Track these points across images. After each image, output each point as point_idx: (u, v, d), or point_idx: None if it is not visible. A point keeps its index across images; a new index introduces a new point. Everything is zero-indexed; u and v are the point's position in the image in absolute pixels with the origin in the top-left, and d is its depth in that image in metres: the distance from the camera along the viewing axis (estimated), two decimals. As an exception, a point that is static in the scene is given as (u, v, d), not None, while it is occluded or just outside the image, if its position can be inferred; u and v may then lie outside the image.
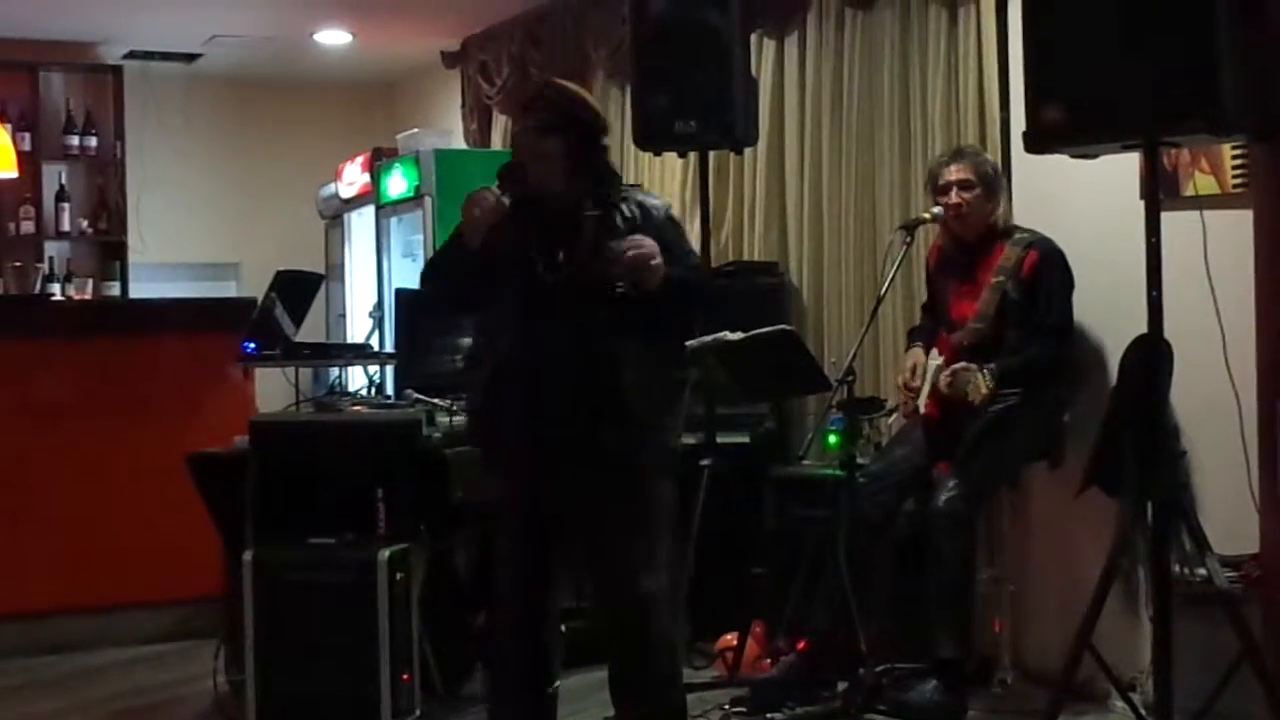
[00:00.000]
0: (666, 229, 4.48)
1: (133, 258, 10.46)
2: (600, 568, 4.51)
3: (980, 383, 5.15)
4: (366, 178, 10.00)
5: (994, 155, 5.84)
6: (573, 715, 5.06)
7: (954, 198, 5.60)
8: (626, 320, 4.31)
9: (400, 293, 7.73)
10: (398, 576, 5.32)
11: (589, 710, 5.22)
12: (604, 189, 4.46)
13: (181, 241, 11.17)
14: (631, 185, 4.79)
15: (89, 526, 6.80)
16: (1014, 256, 5.54)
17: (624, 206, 4.44)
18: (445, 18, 9.74)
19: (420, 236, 9.07)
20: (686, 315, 4.63)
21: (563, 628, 4.61)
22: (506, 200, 4.32)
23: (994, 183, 5.63)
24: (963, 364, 5.30)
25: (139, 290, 10.32)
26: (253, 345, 6.51)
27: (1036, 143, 4.32)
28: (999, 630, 5.72)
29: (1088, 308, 5.56)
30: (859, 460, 5.57)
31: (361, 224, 10.36)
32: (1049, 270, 5.51)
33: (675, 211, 4.83)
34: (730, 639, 5.96)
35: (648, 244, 4.27)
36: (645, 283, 4.26)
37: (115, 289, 10.26)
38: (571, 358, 4.31)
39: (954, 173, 5.63)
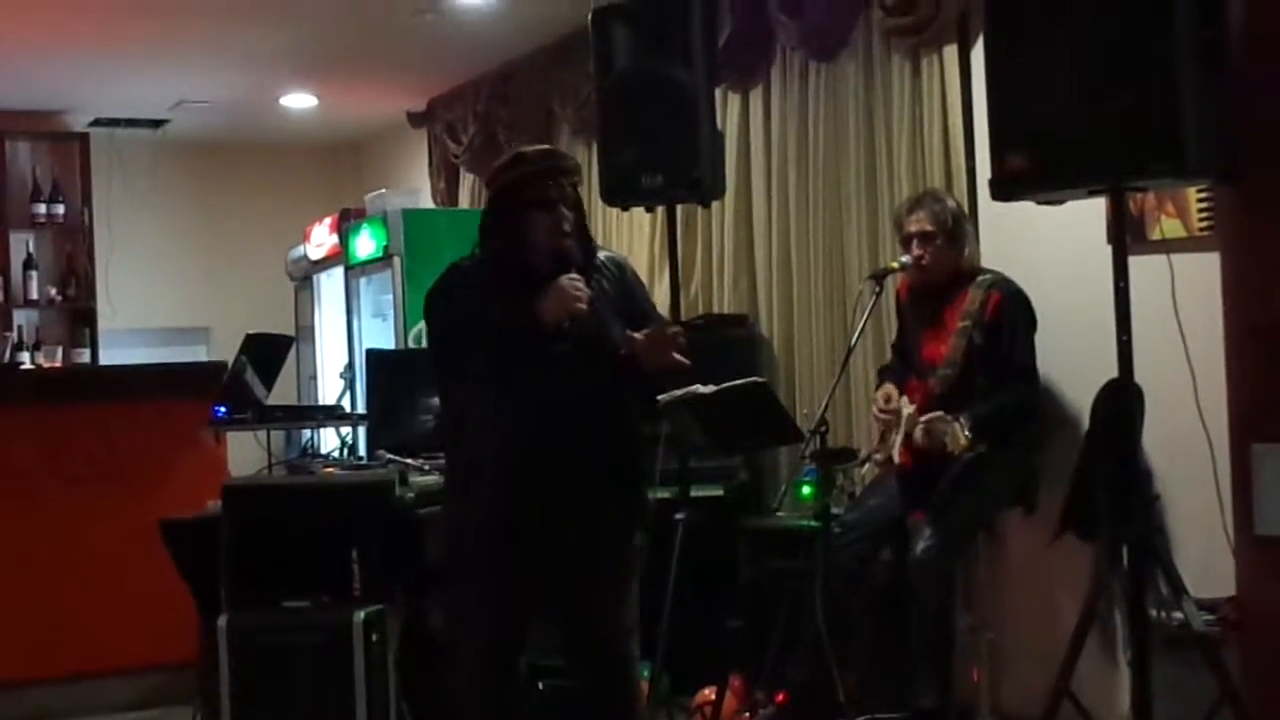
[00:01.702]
0: (635, 282, 4.63)
1: (102, 324, 10.45)
2: (589, 628, 4.51)
3: (958, 434, 5.15)
4: (335, 239, 9.99)
5: (961, 202, 5.85)
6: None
7: (915, 249, 5.62)
8: (619, 380, 4.42)
9: (371, 353, 7.73)
10: (373, 638, 5.29)
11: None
12: (592, 248, 4.55)
13: (151, 307, 11.16)
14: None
15: (61, 594, 6.76)
16: (978, 299, 5.55)
17: (605, 266, 4.52)
18: (410, 79, 9.78)
19: (390, 296, 9.06)
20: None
21: (539, 685, 4.60)
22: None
23: (956, 230, 5.64)
24: (938, 414, 5.30)
25: (109, 356, 10.29)
26: (224, 409, 6.50)
27: (1002, 190, 4.33)
28: (978, 678, 5.70)
29: (1057, 353, 5.57)
30: (833, 510, 5.56)
31: (331, 285, 10.35)
32: (1011, 311, 5.53)
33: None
34: (708, 693, 5.93)
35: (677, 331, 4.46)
36: (666, 363, 4.39)
37: (85, 356, 10.24)
38: (588, 420, 4.37)
39: (914, 223, 5.64)
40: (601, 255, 4.58)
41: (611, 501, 4.44)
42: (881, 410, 5.71)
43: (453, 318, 4.44)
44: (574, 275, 4.35)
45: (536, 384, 4.35)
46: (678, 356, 4.41)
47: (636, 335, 4.38)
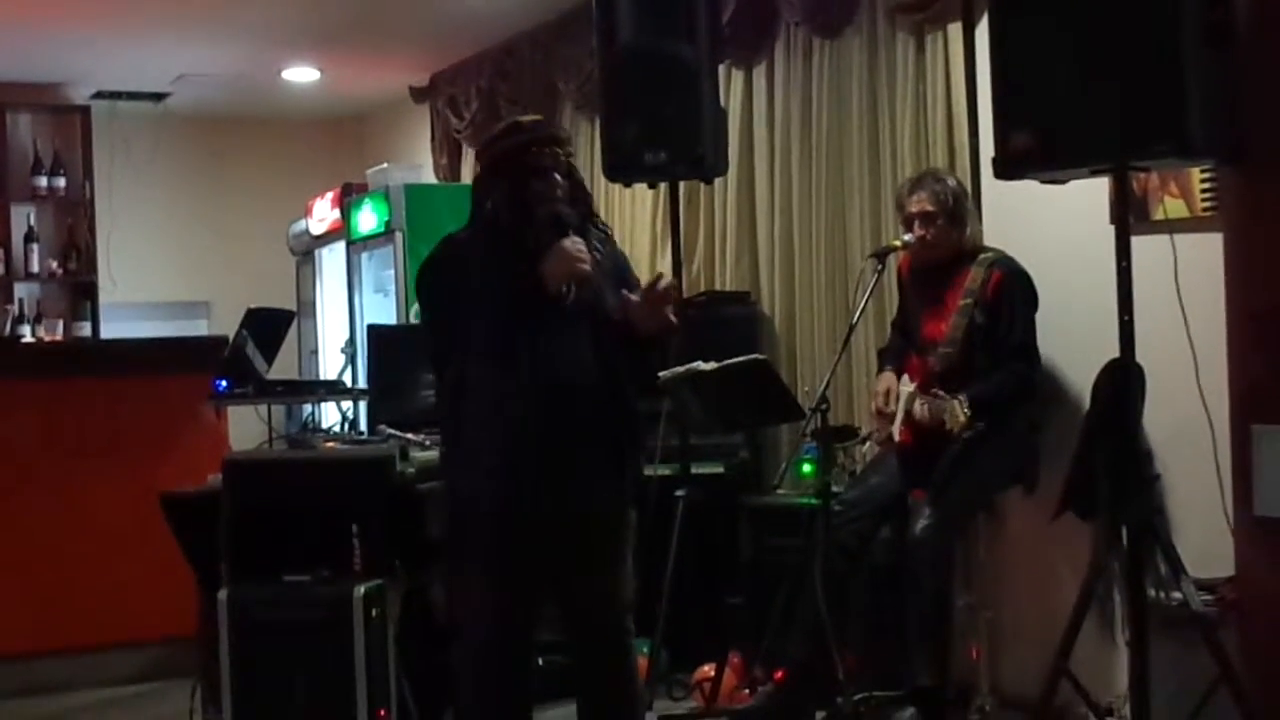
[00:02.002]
0: (622, 256, 4.70)
1: (103, 298, 10.44)
2: (585, 603, 4.51)
3: (958, 411, 5.15)
4: (337, 214, 9.99)
5: (964, 182, 5.84)
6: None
7: (917, 229, 5.61)
8: (617, 350, 4.43)
9: (372, 328, 7.73)
10: (373, 613, 5.29)
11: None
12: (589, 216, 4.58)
13: (152, 281, 11.14)
14: None
15: (62, 567, 6.77)
16: (979, 278, 5.55)
17: (595, 238, 4.53)
18: (413, 53, 9.76)
19: (391, 271, 9.06)
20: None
21: (539, 661, 4.61)
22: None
23: (958, 209, 5.62)
24: (937, 392, 5.31)
25: (110, 330, 10.29)
26: (225, 383, 6.50)
27: (1005, 169, 4.34)
28: (976, 657, 5.71)
29: (1059, 332, 5.57)
30: (834, 488, 5.56)
31: (332, 260, 10.35)
32: (1011, 289, 5.53)
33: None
34: (708, 670, 5.95)
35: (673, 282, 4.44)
36: (662, 324, 4.40)
37: (86, 329, 10.24)
38: (587, 391, 4.38)
39: (915, 204, 5.63)
40: (598, 230, 4.62)
41: (607, 476, 4.44)
42: (880, 408, 5.71)
43: (450, 288, 4.43)
44: (575, 238, 4.36)
45: (535, 353, 4.34)
46: (671, 317, 4.39)
47: (631, 296, 4.39)
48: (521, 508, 4.35)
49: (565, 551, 4.42)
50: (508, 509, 4.37)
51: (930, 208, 5.60)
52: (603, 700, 4.55)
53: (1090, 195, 5.01)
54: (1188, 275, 4.56)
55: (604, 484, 4.43)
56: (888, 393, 5.69)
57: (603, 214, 7.95)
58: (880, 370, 5.87)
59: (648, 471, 6.11)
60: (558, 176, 4.43)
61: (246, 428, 7.00)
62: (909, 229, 5.64)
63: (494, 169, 4.51)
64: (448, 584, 5.10)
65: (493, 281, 4.34)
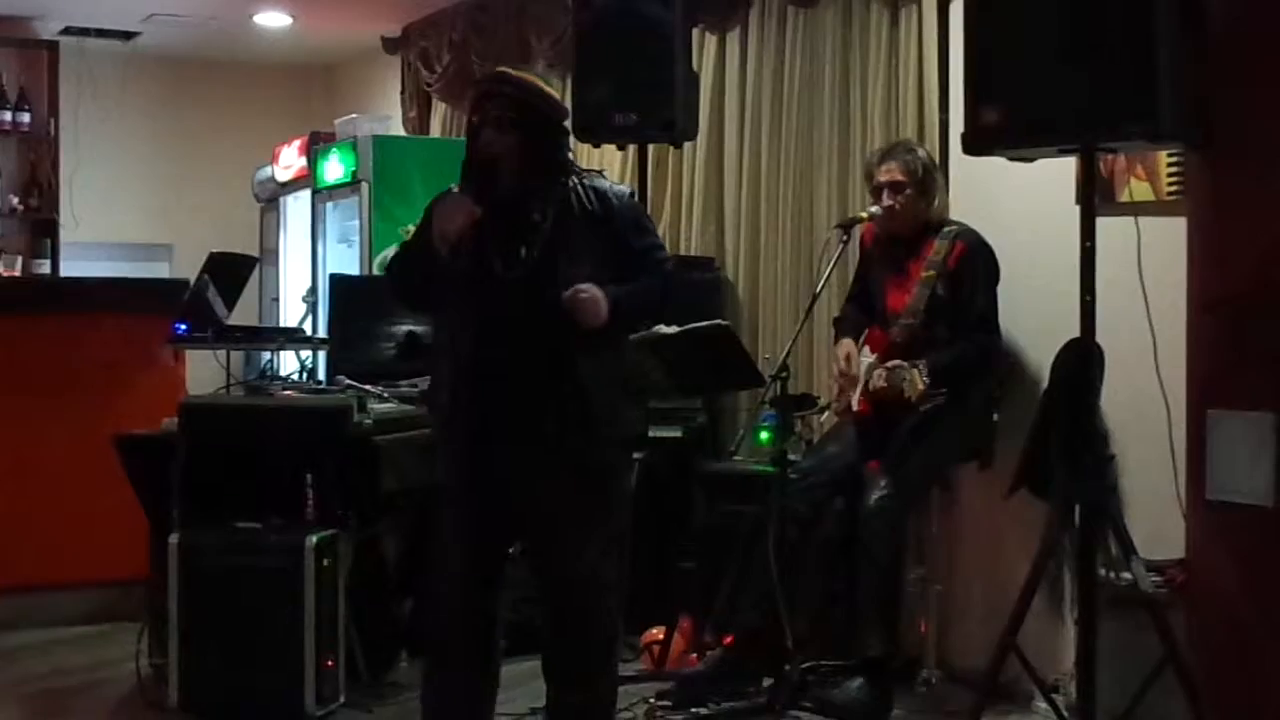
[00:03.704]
0: (625, 219, 4.45)
1: (64, 236, 10.35)
2: (551, 557, 4.45)
3: (916, 379, 5.16)
4: (303, 162, 9.94)
5: (932, 154, 5.85)
6: (501, 704, 5.05)
7: (886, 199, 5.62)
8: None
9: (335, 278, 7.70)
10: (325, 563, 5.29)
11: (517, 700, 5.21)
12: (563, 180, 4.41)
13: (114, 221, 11.07)
14: (591, 170, 4.66)
15: (13, 506, 6.72)
16: (942, 250, 5.57)
17: (583, 196, 4.40)
18: (386, 3, 9.71)
19: (356, 222, 9.03)
20: (644, 320, 4.64)
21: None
22: (478, 211, 4.26)
23: (926, 180, 5.64)
24: (896, 362, 5.31)
25: (70, 269, 10.21)
26: (184, 327, 6.47)
27: (974, 144, 4.34)
28: (925, 630, 5.74)
29: (1021, 310, 5.58)
30: (790, 457, 5.57)
31: (297, 208, 10.30)
32: (974, 261, 5.55)
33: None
34: (657, 633, 5.96)
35: (591, 292, 4.26)
36: (584, 323, 4.28)
37: (45, 267, 10.15)
38: (531, 355, 4.29)
39: (885, 173, 5.64)
40: (597, 184, 4.46)
41: (554, 440, 4.33)
42: (841, 372, 5.72)
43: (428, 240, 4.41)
44: (457, 195, 4.29)
45: (479, 313, 4.32)
46: (591, 320, 4.29)
47: (564, 293, 4.28)
48: (470, 458, 4.37)
49: (518, 509, 4.40)
50: (461, 457, 4.40)
51: (900, 177, 5.61)
52: (562, 649, 4.47)
53: (1057, 175, 5.02)
54: (1151, 258, 4.57)
55: (542, 446, 4.32)
56: (848, 357, 5.70)
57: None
58: (838, 339, 5.87)
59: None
60: (491, 130, 4.33)
61: (205, 372, 6.97)
62: (877, 198, 5.64)
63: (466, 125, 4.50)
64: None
65: (469, 252, 4.31)
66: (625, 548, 4.71)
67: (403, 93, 10.37)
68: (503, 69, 4.63)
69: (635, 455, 5.91)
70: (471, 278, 4.32)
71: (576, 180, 4.44)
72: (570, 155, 4.58)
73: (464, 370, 4.33)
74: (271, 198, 10.82)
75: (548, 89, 4.51)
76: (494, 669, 4.53)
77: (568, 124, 4.60)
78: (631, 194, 4.60)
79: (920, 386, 5.17)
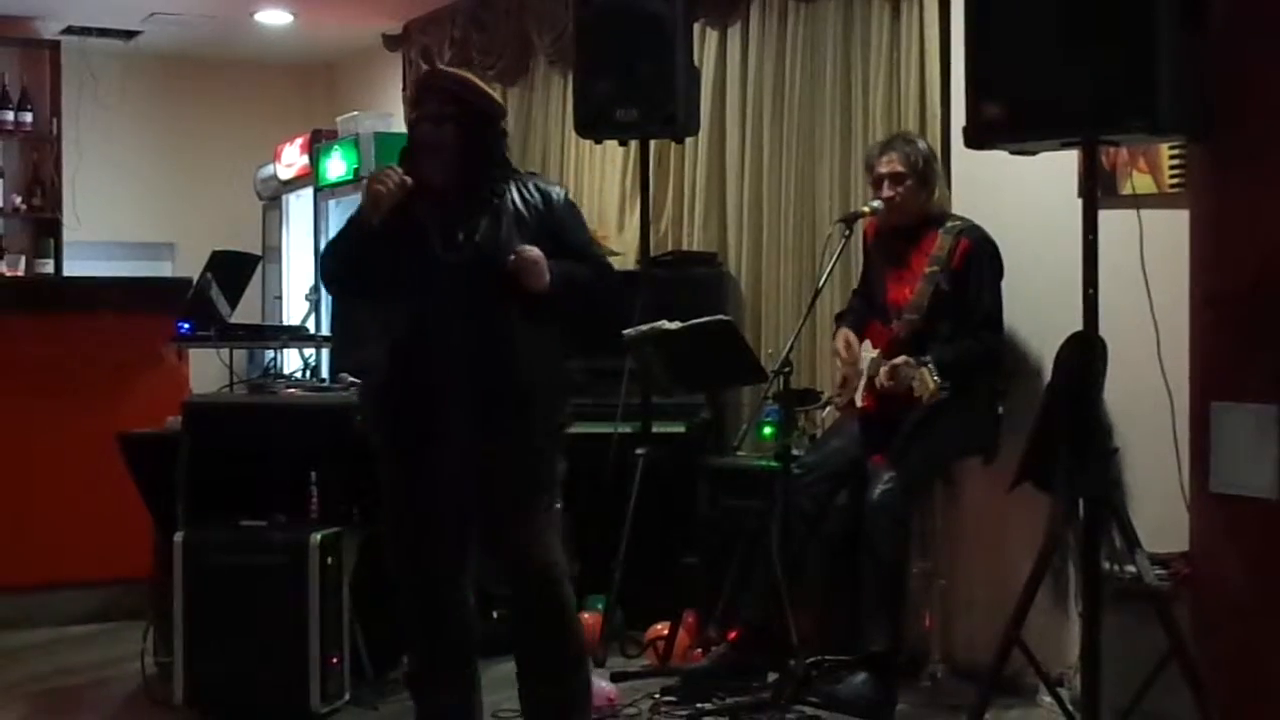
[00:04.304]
0: (567, 216, 4.61)
1: (67, 235, 10.34)
2: (499, 546, 4.55)
3: (927, 378, 5.13)
4: (305, 160, 9.95)
5: (934, 148, 5.84)
6: (497, 704, 5.06)
7: (886, 190, 5.62)
8: (519, 302, 4.38)
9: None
10: (329, 560, 5.30)
11: (515, 699, 5.21)
12: (502, 173, 4.53)
13: (117, 220, 11.06)
14: (529, 172, 4.84)
15: (17, 505, 6.73)
16: (946, 245, 5.56)
17: (524, 192, 4.52)
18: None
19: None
20: (579, 305, 4.60)
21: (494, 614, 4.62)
22: (410, 181, 4.38)
23: (926, 172, 5.64)
24: (902, 359, 5.30)
25: (73, 268, 10.21)
26: (187, 325, 6.47)
27: (976, 138, 4.34)
28: (929, 624, 5.73)
29: (1024, 303, 5.58)
30: (794, 452, 5.57)
31: (299, 206, 10.31)
32: (980, 259, 5.54)
33: (574, 199, 4.94)
34: (661, 628, 5.96)
35: (534, 252, 4.35)
36: (529, 285, 4.34)
37: (49, 266, 10.15)
38: (465, 336, 4.36)
39: (885, 165, 5.64)
40: (537, 183, 4.60)
41: (492, 421, 4.40)
42: (843, 360, 5.72)
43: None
44: (386, 170, 4.42)
45: (420, 295, 4.41)
46: (535, 282, 4.36)
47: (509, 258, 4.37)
48: (407, 441, 4.49)
49: (461, 490, 4.45)
50: (399, 440, 4.53)
51: (900, 168, 5.61)
52: (528, 642, 4.57)
53: (1059, 168, 5.02)
54: (1153, 250, 4.57)
55: (479, 426, 4.39)
56: (848, 345, 5.70)
57: (572, 170, 7.99)
58: (837, 330, 5.87)
59: (607, 430, 6.17)
60: (419, 129, 4.51)
61: (208, 371, 6.96)
62: (878, 189, 5.64)
63: None
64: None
65: (408, 234, 4.45)
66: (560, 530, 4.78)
67: (404, 90, 10.33)
68: (440, 67, 4.72)
69: (638, 451, 5.92)
70: (410, 262, 4.40)
71: (515, 178, 4.57)
72: (508, 156, 4.67)
73: (399, 356, 4.45)
74: (274, 196, 10.83)
75: (483, 86, 4.64)
76: (473, 666, 4.65)
77: (506, 125, 4.69)
78: (568, 193, 4.74)
79: (932, 386, 5.15)
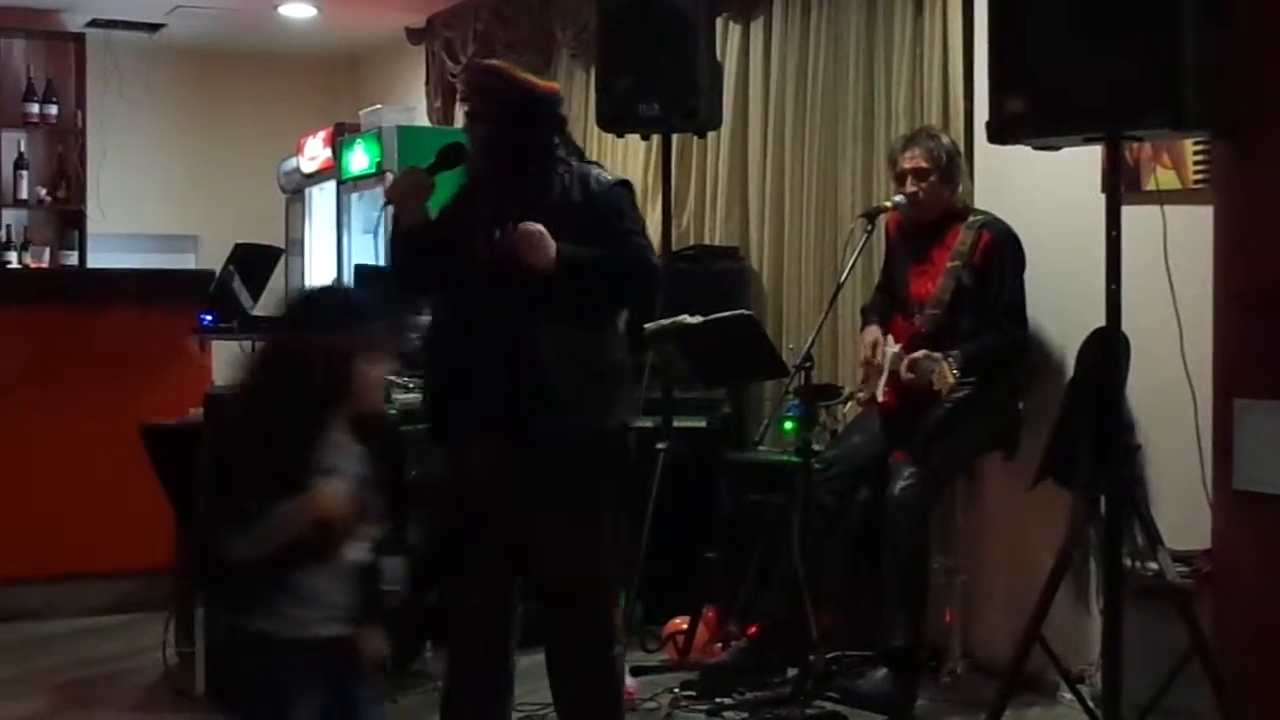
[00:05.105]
0: (607, 203, 4.34)
1: (91, 227, 10.39)
2: (536, 546, 4.36)
3: (946, 371, 5.13)
4: (328, 153, 9.95)
5: (956, 141, 5.83)
6: (522, 695, 5.05)
7: (909, 185, 5.61)
8: (554, 301, 4.20)
9: (360, 268, 7.71)
10: (350, 553, 5.29)
11: (540, 692, 5.20)
12: (547, 166, 4.35)
13: (141, 212, 11.08)
14: (590, 161, 4.55)
15: (40, 496, 6.75)
16: (969, 240, 5.55)
17: (566, 182, 4.33)
18: (411, -7, 9.72)
19: (381, 213, 9.02)
20: (611, 295, 4.42)
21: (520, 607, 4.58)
22: (432, 180, 4.37)
23: (950, 167, 5.63)
24: (924, 352, 5.30)
25: (97, 260, 10.25)
26: (210, 317, 6.49)
27: (999, 133, 4.33)
28: (950, 620, 5.73)
29: (1046, 299, 5.57)
30: (815, 447, 5.56)
31: (322, 199, 10.32)
32: (1002, 252, 5.53)
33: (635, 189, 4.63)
34: (681, 623, 5.96)
35: (534, 226, 4.18)
36: (529, 262, 4.17)
37: (73, 258, 10.19)
38: (494, 333, 4.25)
39: (908, 160, 5.63)
40: (585, 170, 4.39)
41: (525, 416, 4.22)
42: (866, 360, 5.71)
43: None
44: (412, 171, 4.47)
45: (457, 292, 4.38)
46: (534, 259, 4.18)
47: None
48: (453, 444, 4.47)
49: (510, 486, 4.30)
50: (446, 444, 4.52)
51: (924, 164, 5.60)
52: (559, 640, 4.44)
53: (1083, 163, 5.00)
54: (1177, 246, 4.56)
55: (512, 433, 4.24)
56: (875, 345, 5.69)
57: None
58: (865, 326, 5.87)
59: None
60: (469, 123, 4.57)
61: (230, 363, 6.98)
62: (901, 185, 5.64)
63: None
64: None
65: (455, 231, 4.43)
66: (619, 536, 4.60)
67: (427, 83, 10.37)
68: (475, 61, 4.68)
69: (659, 446, 5.90)
70: (453, 260, 4.35)
71: (565, 168, 4.36)
72: (557, 143, 4.41)
73: (436, 346, 4.43)
74: (297, 189, 10.84)
75: (515, 75, 4.46)
76: (509, 667, 4.52)
77: (564, 112, 4.50)
78: (620, 182, 4.47)
79: (950, 379, 5.15)
